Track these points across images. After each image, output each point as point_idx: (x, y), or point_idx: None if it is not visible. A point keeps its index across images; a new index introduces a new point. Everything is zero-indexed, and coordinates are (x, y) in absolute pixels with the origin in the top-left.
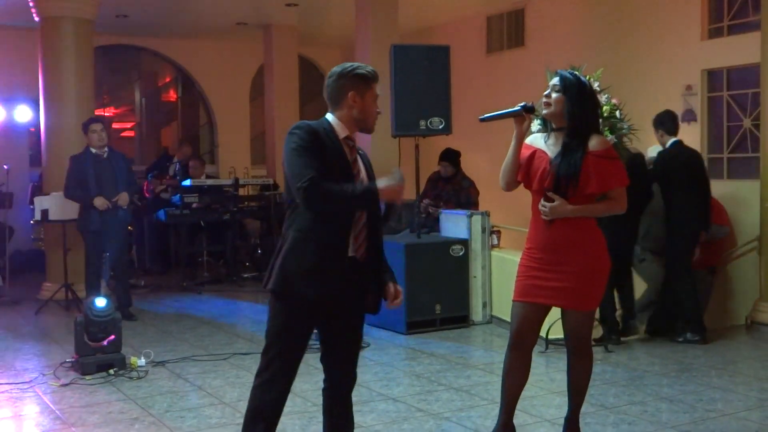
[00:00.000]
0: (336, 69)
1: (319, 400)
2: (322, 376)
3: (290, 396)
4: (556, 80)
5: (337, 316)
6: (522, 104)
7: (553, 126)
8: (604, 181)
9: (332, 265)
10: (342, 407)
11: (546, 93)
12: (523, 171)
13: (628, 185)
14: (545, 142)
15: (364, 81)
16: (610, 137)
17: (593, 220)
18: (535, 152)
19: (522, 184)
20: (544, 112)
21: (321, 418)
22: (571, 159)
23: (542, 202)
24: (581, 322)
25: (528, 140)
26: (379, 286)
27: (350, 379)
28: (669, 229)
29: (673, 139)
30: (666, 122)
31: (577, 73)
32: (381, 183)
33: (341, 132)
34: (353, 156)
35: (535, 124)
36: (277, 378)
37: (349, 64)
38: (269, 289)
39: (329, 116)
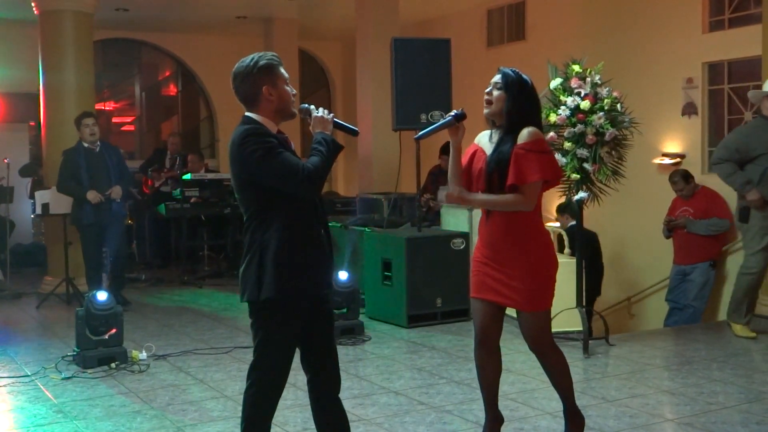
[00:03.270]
0: (238, 69)
1: None
2: None
3: (293, 389)
4: (498, 77)
5: (318, 312)
6: (453, 113)
7: (496, 123)
8: (521, 173)
9: (322, 261)
10: (334, 406)
11: (487, 90)
12: (466, 173)
13: (549, 180)
14: (489, 140)
15: (271, 70)
16: (611, 130)
17: (533, 219)
18: (475, 152)
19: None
20: (486, 111)
21: None
22: (501, 152)
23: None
24: (534, 324)
25: (476, 138)
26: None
27: (337, 377)
28: None
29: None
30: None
31: (517, 70)
32: (315, 127)
33: (272, 128)
34: (291, 147)
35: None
36: (271, 391)
37: (248, 59)
38: (265, 298)
39: (253, 116)
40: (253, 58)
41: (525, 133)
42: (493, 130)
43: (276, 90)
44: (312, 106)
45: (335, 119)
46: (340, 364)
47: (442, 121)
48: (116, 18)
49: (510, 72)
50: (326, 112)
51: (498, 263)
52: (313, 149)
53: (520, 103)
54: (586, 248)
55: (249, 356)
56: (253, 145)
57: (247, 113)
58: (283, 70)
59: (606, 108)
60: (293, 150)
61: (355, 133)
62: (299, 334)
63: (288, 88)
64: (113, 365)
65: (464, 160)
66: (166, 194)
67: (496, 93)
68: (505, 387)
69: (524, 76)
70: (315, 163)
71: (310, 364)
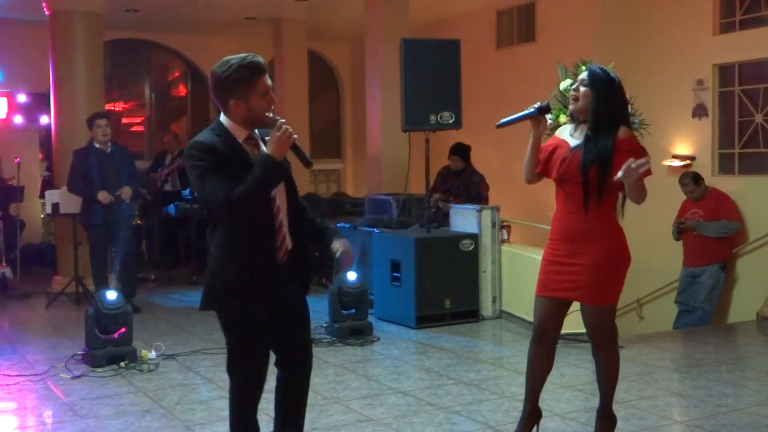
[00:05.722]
0: (215, 71)
1: (330, 393)
2: (332, 369)
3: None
4: (584, 75)
5: (277, 314)
6: (537, 105)
7: (580, 119)
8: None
9: (258, 278)
10: (294, 396)
11: (574, 87)
12: (544, 162)
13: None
14: (570, 134)
15: (245, 83)
16: None
17: (612, 214)
18: (558, 144)
19: (543, 177)
20: (571, 107)
21: (331, 411)
22: (600, 145)
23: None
24: (598, 317)
25: (556, 132)
26: (303, 272)
27: (305, 353)
28: None
29: None
30: None
31: (607, 68)
32: (269, 145)
33: (239, 135)
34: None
35: (564, 117)
36: (243, 394)
37: (226, 63)
38: (201, 309)
39: (224, 121)
40: (231, 64)
41: (625, 133)
42: (573, 125)
43: (246, 104)
44: (279, 122)
45: (295, 143)
46: (348, 365)
47: (525, 112)
48: (126, 18)
49: (597, 69)
50: (289, 133)
51: (571, 256)
52: (253, 171)
53: (608, 101)
54: None
55: None
56: (195, 161)
57: (220, 115)
58: (261, 81)
59: None
60: (253, 161)
61: (308, 164)
62: (255, 336)
63: (262, 101)
64: (123, 364)
65: (544, 150)
66: (170, 193)
67: (582, 89)
68: (513, 388)
69: (612, 74)
70: (242, 190)
71: (278, 365)
